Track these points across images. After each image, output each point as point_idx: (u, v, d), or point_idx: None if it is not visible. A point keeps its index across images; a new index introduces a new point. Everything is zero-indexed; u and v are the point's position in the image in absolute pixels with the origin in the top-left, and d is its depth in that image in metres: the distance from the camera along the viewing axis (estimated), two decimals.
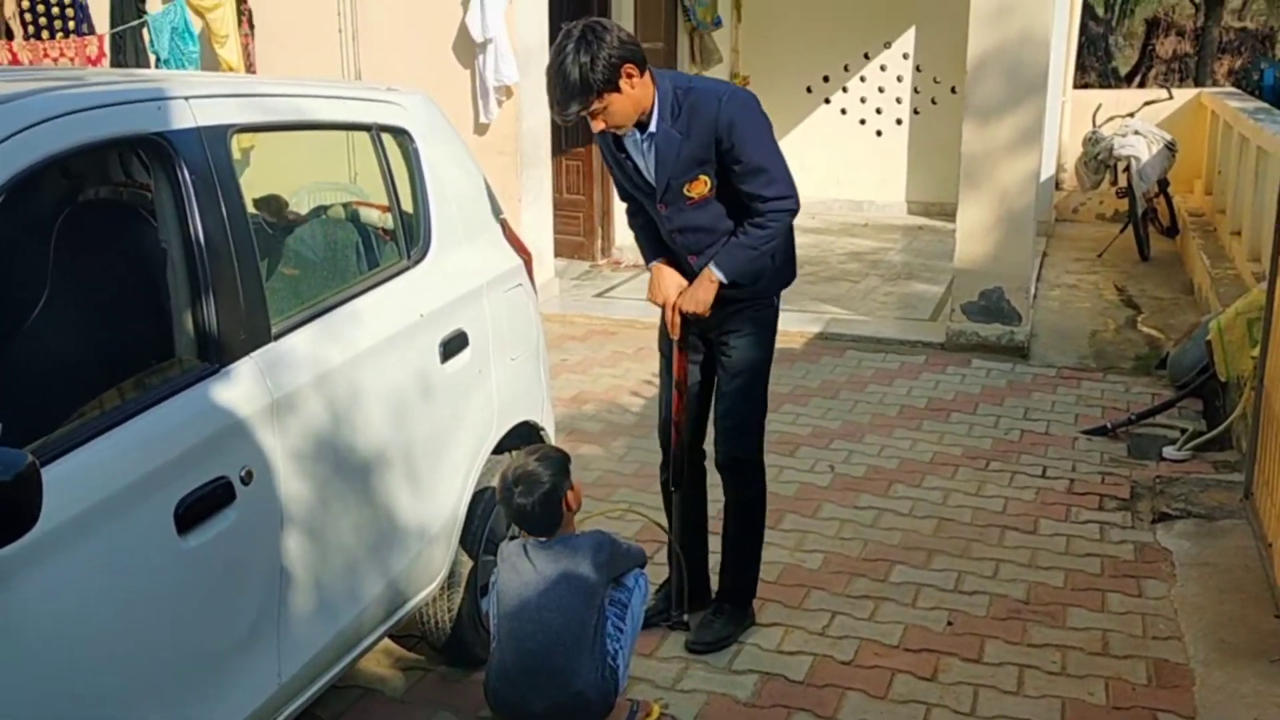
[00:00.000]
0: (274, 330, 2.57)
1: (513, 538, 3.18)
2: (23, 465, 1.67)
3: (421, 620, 3.26)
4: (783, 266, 3.52)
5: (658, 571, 3.85)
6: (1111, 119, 10.17)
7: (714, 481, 3.68)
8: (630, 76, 3.08)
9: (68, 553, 1.97)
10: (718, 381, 3.54)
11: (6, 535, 1.70)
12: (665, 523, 3.70)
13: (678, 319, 3.43)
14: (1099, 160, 9.88)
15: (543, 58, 7.81)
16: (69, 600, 1.99)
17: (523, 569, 2.91)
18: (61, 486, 1.92)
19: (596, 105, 3.08)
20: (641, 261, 3.65)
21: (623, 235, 9.26)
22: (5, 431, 2.08)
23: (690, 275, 3.42)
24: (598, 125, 3.15)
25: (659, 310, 3.53)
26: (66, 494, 1.95)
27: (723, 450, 3.54)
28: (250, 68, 7.75)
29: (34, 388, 2.38)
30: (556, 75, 3.06)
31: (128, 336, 2.53)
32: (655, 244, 3.51)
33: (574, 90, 3.04)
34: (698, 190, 3.27)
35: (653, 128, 3.20)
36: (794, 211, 3.35)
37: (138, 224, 2.66)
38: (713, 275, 3.34)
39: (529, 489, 2.87)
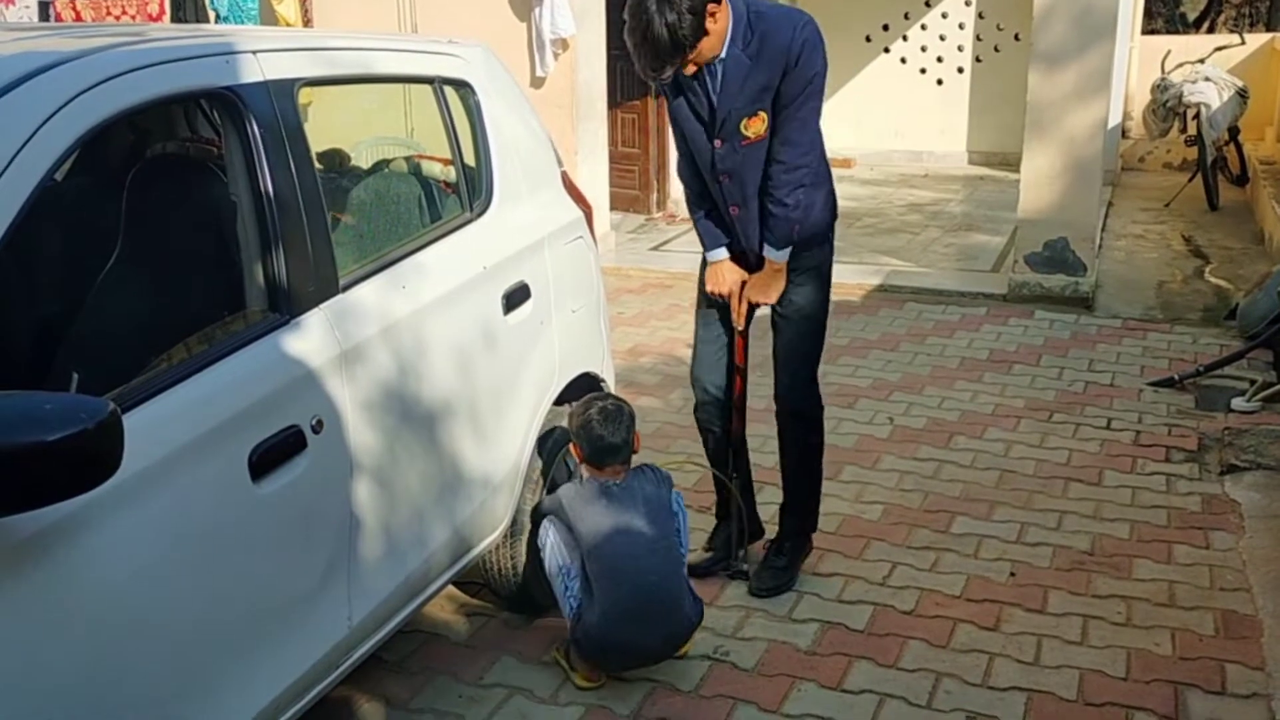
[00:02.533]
0: (342, 282, 2.60)
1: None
2: (105, 413, 1.70)
3: (485, 567, 3.32)
4: (827, 202, 3.43)
5: (711, 522, 3.88)
6: (1181, 65, 9.92)
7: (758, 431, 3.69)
8: (713, 15, 3.00)
9: (147, 499, 2.02)
10: (775, 329, 3.52)
11: (90, 481, 1.74)
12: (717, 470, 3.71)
13: (744, 309, 3.44)
14: (1167, 108, 9.66)
15: (600, 11, 7.78)
16: (148, 545, 2.04)
17: (619, 505, 3.01)
18: (140, 434, 1.96)
19: (691, 56, 3.02)
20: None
21: (678, 189, 9.19)
22: (84, 381, 2.14)
23: (733, 233, 3.40)
24: (690, 70, 3.08)
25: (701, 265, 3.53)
26: (145, 442, 1.99)
27: (785, 395, 3.54)
28: (308, 23, 7.79)
29: (110, 339, 2.45)
30: (645, 40, 2.95)
31: (199, 288, 2.58)
32: (709, 218, 3.44)
33: (666, 52, 2.96)
34: (755, 129, 3.19)
35: (723, 53, 3.11)
36: (811, 169, 3.28)
37: (207, 178, 2.70)
38: (774, 261, 3.34)
39: (617, 421, 3.10)
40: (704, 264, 3.53)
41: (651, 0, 2.92)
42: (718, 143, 3.25)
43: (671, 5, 2.91)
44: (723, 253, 3.45)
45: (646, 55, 2.99)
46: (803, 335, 3.47)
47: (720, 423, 3.62)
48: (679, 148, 3.44)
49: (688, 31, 2.95)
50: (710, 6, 2.99)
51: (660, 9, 2.91)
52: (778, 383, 3.55)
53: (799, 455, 3.61)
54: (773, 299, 3.40)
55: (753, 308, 3.46)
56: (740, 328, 3.48)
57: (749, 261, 3.45)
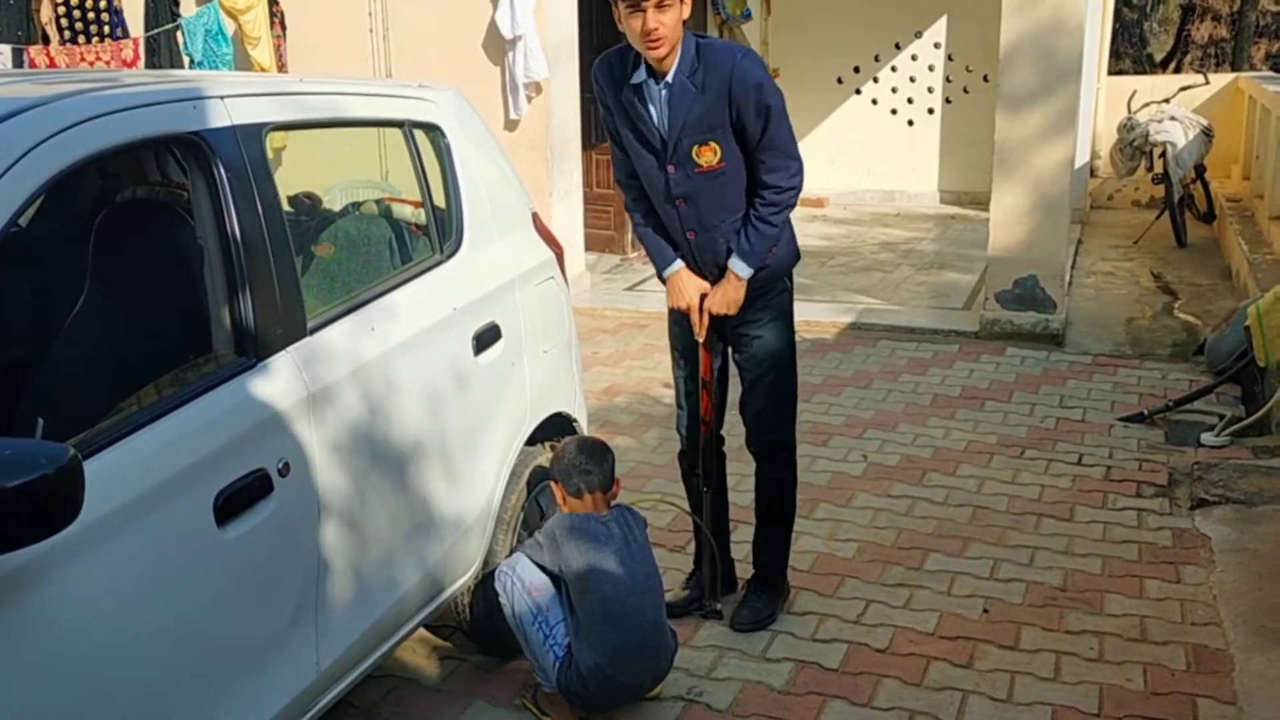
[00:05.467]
0: (310, 325, 2.61)
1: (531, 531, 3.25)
2: (65, 459, 1.70)
3: (457, 610, 3.30)
4: (788, 246, 3.49)
5: (687, 562, 3.88)
6: (1147, 105, 10.07)
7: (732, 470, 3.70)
8: (687, 2, 3.10)
9: (109, 545, 2.01)
10: (744, 374, 3.54)
11: (49, 528, 1.73)
12: (694, 514, 3.72)
13: (706, 320, 3.44)
14: (1134, 146, 9.80)
15: (572, 54, 7.85)
16: (110, 592, 2.02)
17: (612, 544, 3.02)
18: (103, 480, 1.96)
19: (662, 21, 3.05)
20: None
21: None
22: (49, 426, 2.12)
23: (691, 255, 3.41)
24: (654, 19, 3.05)
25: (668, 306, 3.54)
26: (108, 487, 1.98)
27: (758, 438, 3.56)
28: (283, 68, 7.83)
29: (74, 384, 2.43)
30: None
31: (166, 332, 2.57)
32: (660, 236, 3.44)
33: None
34: (706, 159, 3.23)
35: (670, 77, 3.18)
36: (801, 189, 3.33)
37: (175, 222, 2.70)
38: (739, 274, 3.34)
39: (600, 454, 3.15)
40: (671, 313, 3.55)
41: None
42: (671, 168, 3.28)
43: None
44: (678, 264, 3.44)
45: None
46: (771, 377, 3.49)
47: (701, 467, 3.63)
48: (616, 156, 3.47)
49: None
50: None
51: None
52: (750, 422, 3.56)
53: (773, 489, 3.62)
54: (733, 311, 3.39)
55: (713, 319, 3.45)
56: (701, 339, 3.48)
57: (704, 261, 3.43)
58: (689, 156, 3.24)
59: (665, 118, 3.23)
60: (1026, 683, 3.26)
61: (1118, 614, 3.64)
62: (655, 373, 6.31)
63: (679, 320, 3.54)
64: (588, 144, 8.81)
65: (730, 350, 3.57)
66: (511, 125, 7.66)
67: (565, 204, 7.89)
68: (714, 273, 3.42)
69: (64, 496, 1.72)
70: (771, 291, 3.45)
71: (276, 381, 2.44)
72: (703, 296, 3.42)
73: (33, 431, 2.19)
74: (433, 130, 3.34)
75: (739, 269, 3.33)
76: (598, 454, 3.16)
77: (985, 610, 3.67)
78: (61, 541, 1.81)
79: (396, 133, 3.27)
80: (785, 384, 3.53)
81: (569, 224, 7.87)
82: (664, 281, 3.49)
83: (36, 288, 2.57)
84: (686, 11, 3.14)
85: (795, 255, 3.54)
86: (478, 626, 3.34)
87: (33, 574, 1.85)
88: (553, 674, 3.02)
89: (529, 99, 7.60)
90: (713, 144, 3.22)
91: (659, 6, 3.06)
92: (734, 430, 3.71)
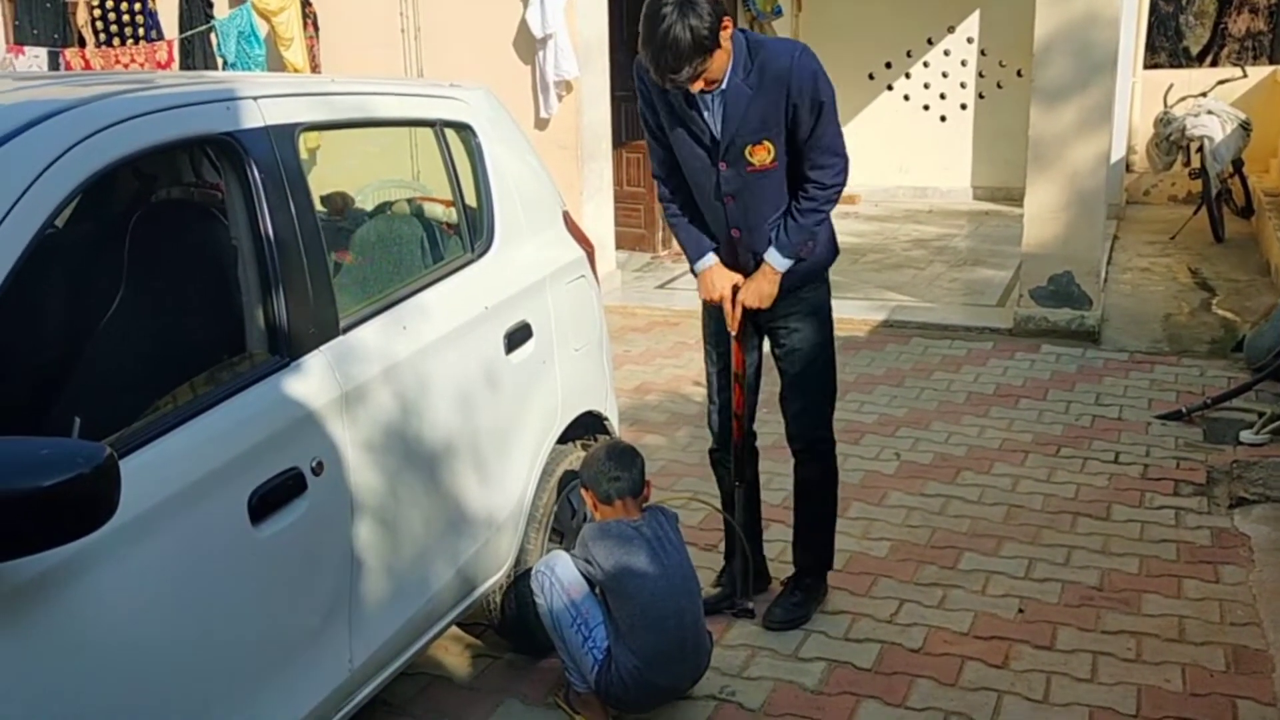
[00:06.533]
0: (342, 324, 2.61)
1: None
2: (102, 458, 1.71)
3: (488, 607, 3.30)
4: (827, 243, 3.48)
5: (718, 560, 3.87)
6: (1183, 99, 9.95)
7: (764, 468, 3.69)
8: (725, 29, 3.05)
9: (145, 543, 2.02)
10: (782, 371, 3.52)
11: (87, 526, 1.75)
12: (725, 511, 3.70)
13: (739, 313, 3.42)
14: (1171, 141, 9.68)
15: (603, 53, 7.85)
16: (146, 590, 2.04)
17: (649, 547, 3.01)
18: (139, 478, 1.97)
19: (708, 64, 3.03)
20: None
21: None
22: (86, 426, 2.14)
23: (733, 251, 3.39)
24: (697, 85, 3.08)
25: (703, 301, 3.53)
26: (143, 485, 2.00)
27: (797, 434, 3.55)
28: (315, 69, 7.87)
29: (110, 383, 2.45)
30: (665, 41, 2.97)
31: (200, 332, 2.59)
32: (697, 229, 3.43)
33: (686, 54, 2.98)
34: (760, 158, 3.21)
35: (724, 84, 3.15)
36: (845, 185, 3.32)
37: (208, 222, 2.72)
38: (774, 266, 3.32)
39: (629, 459, 3.14)
40: (705, 306, 3.54)
41: (670, 5, 2.96)
42: (722, 165, 3.26)
43: (694, 10, 2.96)
44: (711, 258, 3.43)
45: (666, 56, 3.00)
46: (808, 373, 3.47)
47: (733, 464, 3.63)
48: (653, 150, 3.45)
49: (707, 33, 2.98)
50: (725, 19, 3.04)
51: (682, 12, 2.95)
52: (789, 418, 3.55)
53: (812, 486, 3.61)
54: (765, 304, 3.37)
55: (746, 312, 3.44)
56: (734, 333, 3.47)
57: (746, 259, 3.42)
58: (741, 156, 3.22)
59: (719, 119, 3.20)
60: (1063, 683, 3.23)
61: (1155, 614, 3.60)
62: (686, 370, 6.30)
63: (712, 313, 3.53)
64: (618, 142, 8.82)
65: (770, 346, 3.56)
66: (542, 124, 7.67)
67: (596, 202, 7.89)
68: (754, 269, 3.40)
69: (100, 496, 1.73)
70: (809, 287, 3.43)
71: (310, 381, 2.45)
72: (735, 289, 3.41)
73: (69, 431, 2.21)
74: (464, 129, 3.35)
75: (775, 261, 3.31)
76: (626, 459, 3.15)
77: (1020, 610, 3.64)
78: (97, 540, 1.82)
79: (427, 132, 3.28)
80: (824, 380, 3.51)
81: (599, 222, 7.88)
82: (696, 275, 3.49)
83: (72, 288, 2.60)
84: (729, 44, 3.07)
85: (834, 252, 3.52)
86: (509, 625, 3.34)
87: (69, 572, 1.87)
88: (591, 676, 3.01)
89: (559, 97, 7.61)
90: (766, 143, 3.20)
91: (694, 80, 3.05)
92: (765, 428, 3.69)
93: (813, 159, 3.22)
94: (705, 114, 3.22)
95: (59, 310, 2.59)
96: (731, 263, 3.43)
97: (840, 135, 3.25)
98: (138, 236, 2.64)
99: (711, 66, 3.06)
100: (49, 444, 1.75)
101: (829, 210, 3.31)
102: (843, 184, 3.29)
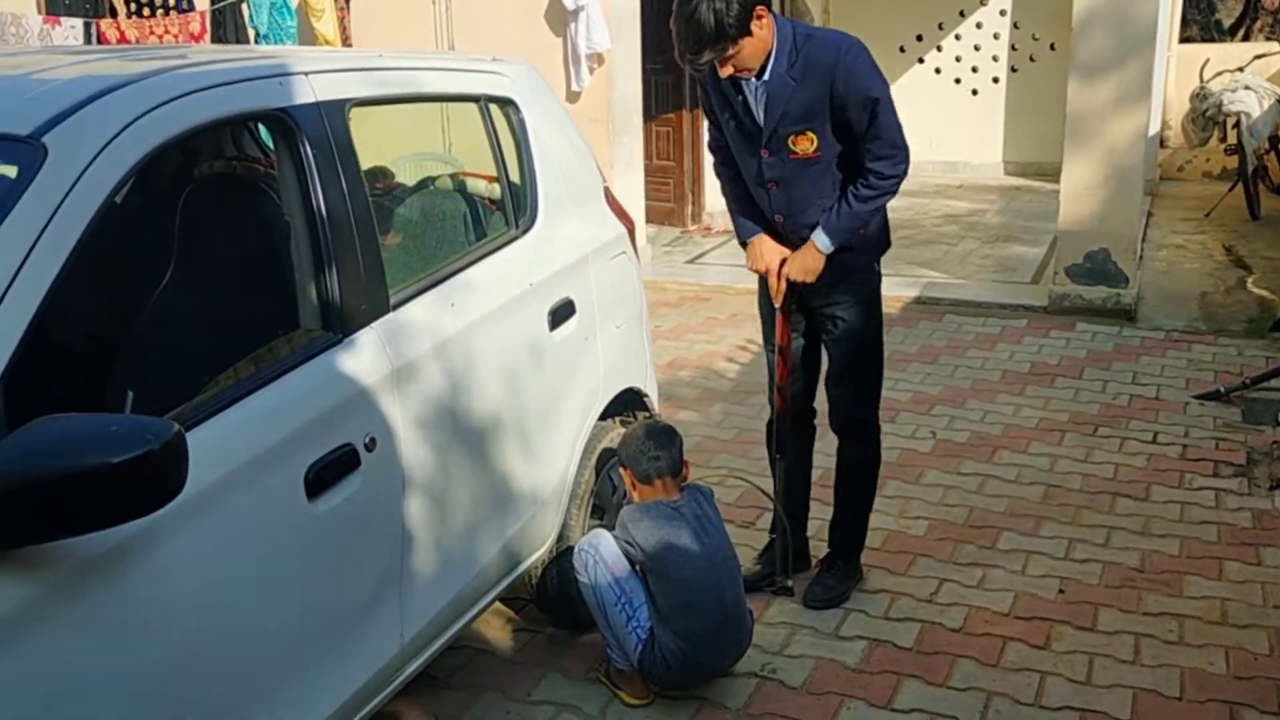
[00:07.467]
0: (392, 300, 2.62)
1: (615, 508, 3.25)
2: (170, 434, 1.72)
3: (531, 582, 3.32)
4: (879, 232, 3.47)
5: (758, 537, 3.87)
6: (1219, 74, 9.83)
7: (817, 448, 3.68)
8: (760, 18, 3.02)
9: (208, 518, 2.03)
10: (830, 355, 3.52)
11: (155, 502, 1.76)
12: (767, 487, 3.70)
13: (783, 286, 3.41)
14: (1207, 117, 9.57)
15: (634, 25, 7.80)
16: (208, 564, 2.05)
17: (688, 527, 3.02)
18: (199, 455, 1.97)
19: (730, 51, 3.02)
20: (732, 226, 3.59)
21: (713, 201, 9.23)
22: (141, 401, 2.16)
23: (777, 235, 3.39)
24: (726, 70, 3.08)
25: (756, 275, 3.52)
26: (205, 461, 2.00)
27: (839, 415, 3.54)
28: (346, 41, 7.86)
29: (166, 359, 2.47)
30: (688, 23, 2.97)
31: (253, 308, 2.59)
32: (747, 207, 3.44)
33: (708, 38, 2.97)
34: (802, 146, 3.21)
35: (767, 74, 3.14)
36: (905, 177, 3.29)
37: (260, 198, 2.73)
38: (819, 246, 3.31)
39: (668, 439, 3.14)
40: (761, 281, 3.53)
41: None
42: (765, 153, 3.26)
43: None
44: (759, 231, 3.44)
45: (688, 38, 2.99)
46: (854, 360, 3.46)
47: (798, 439, 3.64)
48: (711, 130, 3.47)
49: (733, 21, 2.96)
50: (758, 9, 3.00)
51: None
52: (831, 399, 3.54)
53: (853, 468, 3.61)
54: (810, 278, 3.35)
55: (791, 285, 3.43)
56: (779, 305, 3.46)
57: (791, 243, 3.42)
58: (785, 144, 3.21)
59: (761, 108, 3.19)
60: (1106, 665, 3.22)
61: (1197, 596, 3.58)
62: (719, 346, 6.29)
63: (766, 293, 3.53)
64: (648, 116, 8.78)
65: (818, 330, 3.54)
66: (573, 97, 7.64)
67: (626, 176, 7.86)
68: (800, 240, 3.39)
69: (169, 472, 1.74)
70: (858, 276, 3.42)
71: (362, 357, 2.46)
72: (782, 262, 3.40)
73: (124, 406, 2.23)
74: (507, 104, 3.33)
75: (820, 242, 3.29)
76: (665, 439, 3.15)
77: (1061, 591, 3.63)
78: (163, 516, 1.83)
79: (466, 107, 3.26)
80: (869, 366, 3.50)
81: (630, 196, 7.85)
82: (744, 246, 3.48)
83: (128, 264, 2.61)
84: (764, 28, 3.05)
85: (886, 242, 3.51)
86: (551, 600, 3.36)
87: (136, 547, 1.89)
88: (634, 654, 3.02)
89: (591, 70, 7.57)
90: (809, 133, 3.19)
91: (724, 63, 3.04)
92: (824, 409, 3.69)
93: (873, 150, 3.20)
94: (750, 99, 3.21)
95: (118, 287, 2.60)
96: (779, 243, 3.42)
97: (899, 127, 3.22)
98: (189, 212, 2.65)
99: (741, 55, 3.04)
100: (119, 420, 1.76)
101: (887, 200, 3.29)
102: (903, 174, 3.26)
